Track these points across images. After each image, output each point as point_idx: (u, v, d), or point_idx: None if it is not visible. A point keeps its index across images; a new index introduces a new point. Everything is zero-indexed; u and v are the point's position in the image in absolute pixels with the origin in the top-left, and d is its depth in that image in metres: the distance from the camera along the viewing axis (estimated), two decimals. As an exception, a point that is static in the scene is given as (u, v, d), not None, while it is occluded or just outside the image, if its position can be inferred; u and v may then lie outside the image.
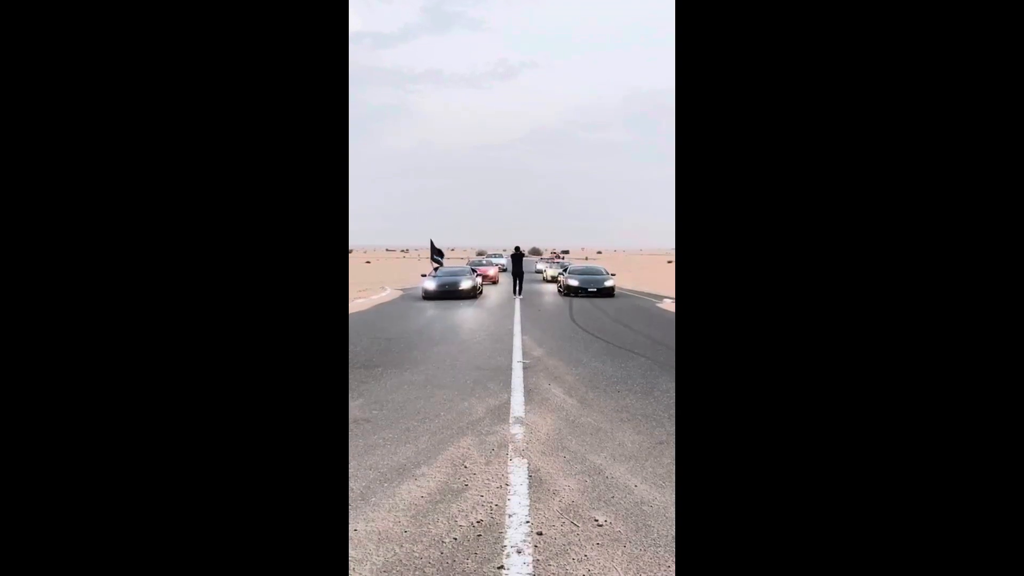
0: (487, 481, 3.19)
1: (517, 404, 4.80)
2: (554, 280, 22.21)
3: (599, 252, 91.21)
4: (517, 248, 16.93)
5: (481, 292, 16.84)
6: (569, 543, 2.51)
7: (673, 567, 2.33)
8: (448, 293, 14.95)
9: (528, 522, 2.69)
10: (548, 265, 27.84)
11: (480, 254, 38.56)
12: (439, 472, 3.32)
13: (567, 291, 16.15)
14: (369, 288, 18.42)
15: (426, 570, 2.28)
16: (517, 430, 4.10)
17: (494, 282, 22.15)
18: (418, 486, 3.12)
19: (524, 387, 5.39)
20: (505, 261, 32.59)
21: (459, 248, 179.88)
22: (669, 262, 43.37)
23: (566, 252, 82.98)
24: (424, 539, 2.53)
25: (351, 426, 4.15)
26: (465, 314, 11.62)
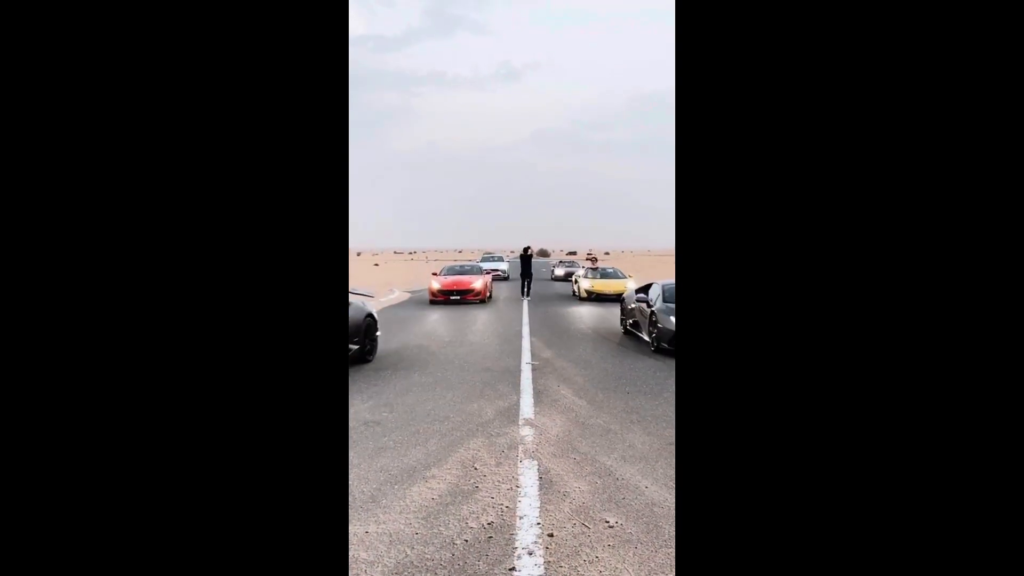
0: (497, 483, 3.19)
1: (526, 406, 4.80)
2: (592, 297, 14.76)
3: (607, 253, 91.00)
4: (527, 249, 16.31)
5: None
6: (580, 544, 2.51)
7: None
8: None
9: (539, 523, 2.69)
10: (581, 271, 17.96)
11: (488, 255, 32.18)
12: (449, 474, 3.33)
13: (661, 340, 7.21)
14: (378, 291, 18.49)
15: (437, 572, 2.29)
16: (527, 432, 4.10)
17: (481, 299, 14.24)
18: (428, 488, 3.12)
19: (533, 389, 5.40)
20: (506, 266, 26.15)
21: (467, 250, 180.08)
22: (677, 262, 42.92)
23: (573, 253, 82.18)
24: (436, 541, 2.54)
25: (362, 428, 4.17)
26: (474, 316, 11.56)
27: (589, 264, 19.03)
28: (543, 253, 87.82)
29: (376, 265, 44.26)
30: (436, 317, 11.32)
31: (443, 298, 14.10)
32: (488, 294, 14.91)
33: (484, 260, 27.28)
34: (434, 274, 16.31)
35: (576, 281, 16.59)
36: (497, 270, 23.94)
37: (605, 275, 16.17)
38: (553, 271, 25.57)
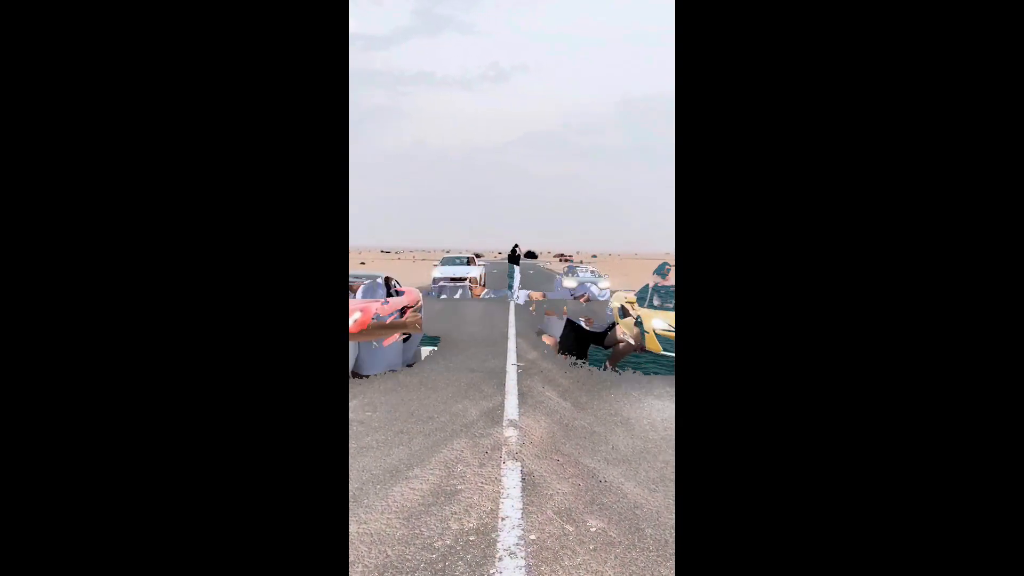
0: (481, 484, 3.18)
1: (511, 407, 4.79)
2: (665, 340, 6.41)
3: (594, 256, 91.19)
4: (514, 248, 15.57)
5: None
6: (562, 547, 2.50)
7: (665, 571, 2.32)
8: None
9: (521, 526, 2.68)
10: (604, 283, 13.61)
11: (451, 257, 18.18)
12: (432, 474, 3.30)
13: None
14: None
15: (418, 573, 2.27)
16: (511, 433, 4.09)
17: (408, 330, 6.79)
18: (411, 488, 3.10)
19: (518, 390, 5.39)
20: (479, 272, 17.11)
21: (454, 249, 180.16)
22: (665, 267, 43.11)
23: (561, 255, 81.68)
24: (417, 542, 2.52)
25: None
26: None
27: (656, 279, 8.12)
28: (530, 255, 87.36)
29: (362, 264, 44.10)
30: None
31: None
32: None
33: (444, 263, 17.02)
34: None
35: (629, 312, 7.44)
36: (460, 280, 15.17)
37: None
38: (560, 282, 17.49)
